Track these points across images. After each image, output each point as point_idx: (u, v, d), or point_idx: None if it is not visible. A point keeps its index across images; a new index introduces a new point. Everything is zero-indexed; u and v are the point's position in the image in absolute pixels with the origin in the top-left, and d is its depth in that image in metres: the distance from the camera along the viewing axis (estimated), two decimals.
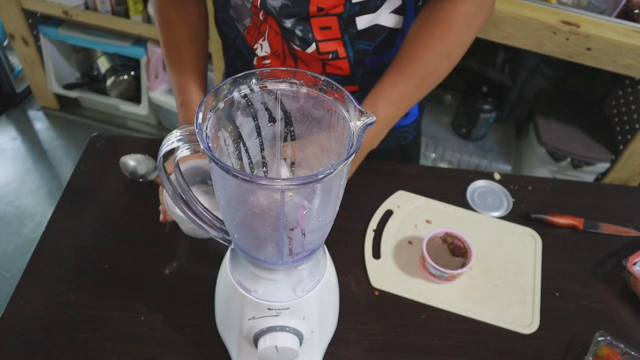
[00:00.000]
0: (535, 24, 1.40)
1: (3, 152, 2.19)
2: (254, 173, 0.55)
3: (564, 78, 1.96)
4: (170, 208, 0.75)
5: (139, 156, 0.86)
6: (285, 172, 0.56)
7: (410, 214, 0.88)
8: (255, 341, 0.59)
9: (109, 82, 2.25)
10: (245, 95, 0.49)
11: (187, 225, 0.77)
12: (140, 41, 2.08)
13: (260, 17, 0.76)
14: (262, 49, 0.81)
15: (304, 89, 0.50)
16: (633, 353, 0.69)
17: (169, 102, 2.13)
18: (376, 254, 0.82)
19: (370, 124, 0.45)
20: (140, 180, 0.85)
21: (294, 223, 0.50)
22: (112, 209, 0.85)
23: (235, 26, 0.82)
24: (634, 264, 0.79)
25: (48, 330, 0.70)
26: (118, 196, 0.87)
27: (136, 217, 0.83)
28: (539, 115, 1.81)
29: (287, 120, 0.52)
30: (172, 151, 0.48)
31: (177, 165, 0.49)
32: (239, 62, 0.87)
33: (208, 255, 0.79)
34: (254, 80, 0.49)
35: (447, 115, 2.03)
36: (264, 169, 0.56)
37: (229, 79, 0.48)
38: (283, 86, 0.50)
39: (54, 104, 2.38)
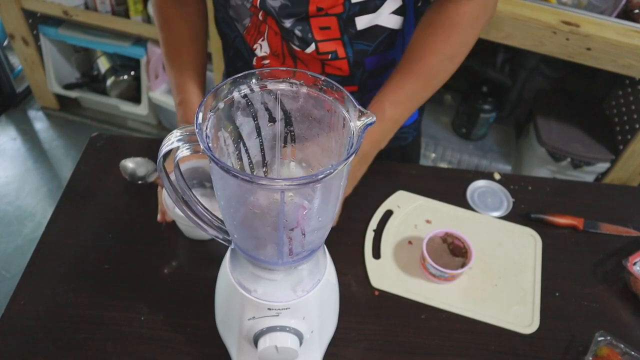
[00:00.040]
0: (535, 24, 1.40)
1: (3, 152, 2.19)
2: (254, 173, 0.55)
3: (564, 78, 1.96)
4: (170, 208, 0.75)
5: (138, 159, 0.87)
6: (293, 170, 0.56)
7: (410, 214, 0.88)
8: (255, 341, 0.59)
9: (109, 82, 2.25)
10: (245, 95, 0.49)
11: (186, 224, 0.77)
12: (140, 41, 2.08)
13: (260, 17, 0.76)
14: (262, 49, 0.81)
15: (304, 89, 0.50)
16: (633, 353, 0.69)
17: (169, 102, 2.13)
18: (376, 254, 0.82)
19: (370, 124, 0.45)
20: (140, 182, 0.85)
21: (294, 223, 0.50)
22: (112, 209, 0.85)
23: (235, 26, 0.82)
24: (634, 264, 0.79)
25: (48, 330, 0.70)
26: (118, 196, 0.87)
27: (136, 217, 0.83)
28: (539, 115, 1.81)
29: (287, 120, 0.52)
30: (171, 151, 0.48)
31: (177, 166, 0.49)
32: (239, 62, 0.88)
33: (208, 256, 0.79)
34: (254, 80, 0.49)
35: (447, 115, 2.03)
36: (264, 169, 0.56)
37: (229, 79, 0.48)
38: (283, 86, 0.50)
39: (54, 104, 2.38)
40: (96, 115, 2.39)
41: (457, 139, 1.98)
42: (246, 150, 0.53)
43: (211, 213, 0.56)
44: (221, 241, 0.56)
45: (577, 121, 1.79)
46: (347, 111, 0.47)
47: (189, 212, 0.54)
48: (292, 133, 0.53)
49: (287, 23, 0.74)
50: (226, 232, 0.56)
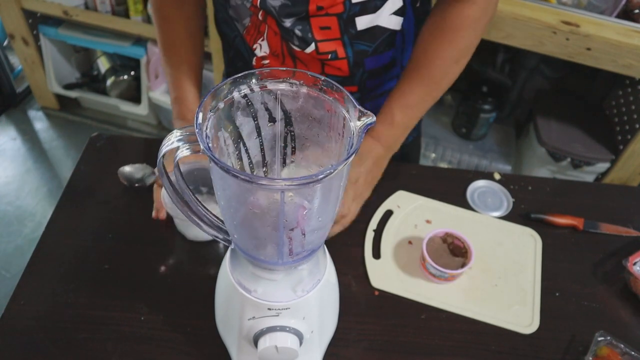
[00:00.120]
0: (535, 24, 1.40)
1: (3, 152, 2.19)
2: (254, 173, 0.55)
3: (564, 78, 1.96)
4: (169, 207, 0.74)
5: (136, 165, 0.87)
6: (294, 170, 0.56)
7: (410, 214, 0.88)
8: (255, 341, 0.59)
9: (109, 82, 2.25)
10: (245, 95, 0.49)
11: (182, 220, 0.76)
12: (140, 41, 2.08)
13: (260, 17, 0.76)
14: (261, 49, 0.81)
15: (304, 89, 0.50)
16: (633, 353, 0.69)
17: (169, 102, 2.13)
18: (376, 254, 0.82)
19: (370, 124, 0.45)
20: (137, 185, 0.85)
21: (294, 223, 0.50)
22: (112, 209, 0.85)
23: (235, 26, 0.82)
24: (634, 264, 0.79)
25: (48, 330, 0.70)
26: (118, 196, 0.87)
27: (136, 217, 0.83)
28: (539, 115, 1.81)
29: (287, 120, 0.52)
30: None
31: (177, 166, 0.49)
32: (239, 62, 0.88)
33: (208, 255, 0.79)
34: (253, 80, 0.49)
35: (447, 115, 2.03)
36: (264, 169, 0.56)
37: (228, 79, 0.48)
38: (283, 86, 0.50)
39: (54, 104, 2.38)
40: (96, 115, 2.39)
41: (457, 139, 1.98)
42: (246, 150, 0.53)
43: (211, 213, 0.56)
44: (221, 241, 0.56)
45: (577, 121, 1.79)
46: (347, 111, 0.47)
47: (189, 213, 0.54)
48: (292, 133, 0.53)
49: (287, 22, 0.74)
50: (226, 232, 0.56)
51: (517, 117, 2.08)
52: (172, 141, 0.46)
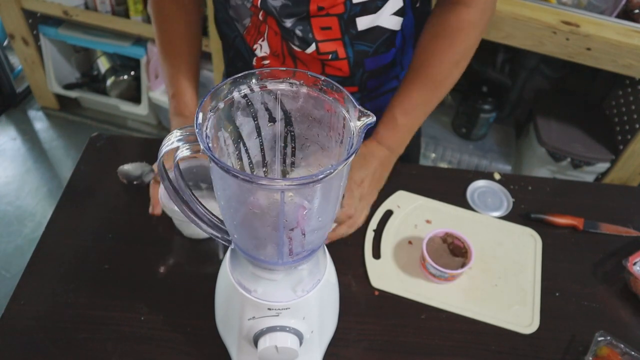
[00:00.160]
0: (535, 24, 1.40)
1: (3, 152, 2.19)
2: (254, 173, 0.55)
3: (564, 78, 1.96)
4: (167, 204, 0.74)
5: (135, 163, 0.87)
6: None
7: (410, 214, 0.88)
8: (255, 341, 0.59)
9: (109, 82, 2.25)
10: (245, 95, 0.49)
11: (180, 218, 0.76)
12: (140, 41, 2.08)
13: (260, 17, 0.76)
14: (262, 49, 0.81)
15: (304, 89, 0.50)
16: (633, 353, 0.69)
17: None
18: (376, 254, 0.82)
19: (370, 124, 0.45)
20: (135, 182, 0.85)
21: (294, 223, 0.50)
22: (112, 209, 0.85)
23: (235, 26, 0.82)
24: (634, 264, 0.79)
25: (48, 330, 0.70)
26: (118, 196, 0.87)
27: (136, 217, 0.83)
28: (539, 115, 1.81)
29: (287, 120, 0.52)
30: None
31: (177, 165, 0.49)
32: (239, 62, 0.88)
33: (208, 256, 0.79)
34: (253, 81, 0.49)
35: (447, 115, 2.03)
36: (264, 169, 0.56)
37: (228, 79, 0.48)
38: (283, 86, 0.50)
39: (54, 104, 2.38)
40: (96, 115, 2.39)
41: (457, 139, 1.98)
42: (246, 150, 0.53)
43: (211, 213, 0.56)
44: (221, 241, 0.56)
45: (577, 121, 1.79)
46: (347, 111, 0.47)
47: (188, 212, 0.54)
48: (292, 133, 0.53)
49: (288, 23, 0.74)
50: (226, 232, 0.56)
51: (517, 117, 2.08)
52: (172, 141, 0.46)
